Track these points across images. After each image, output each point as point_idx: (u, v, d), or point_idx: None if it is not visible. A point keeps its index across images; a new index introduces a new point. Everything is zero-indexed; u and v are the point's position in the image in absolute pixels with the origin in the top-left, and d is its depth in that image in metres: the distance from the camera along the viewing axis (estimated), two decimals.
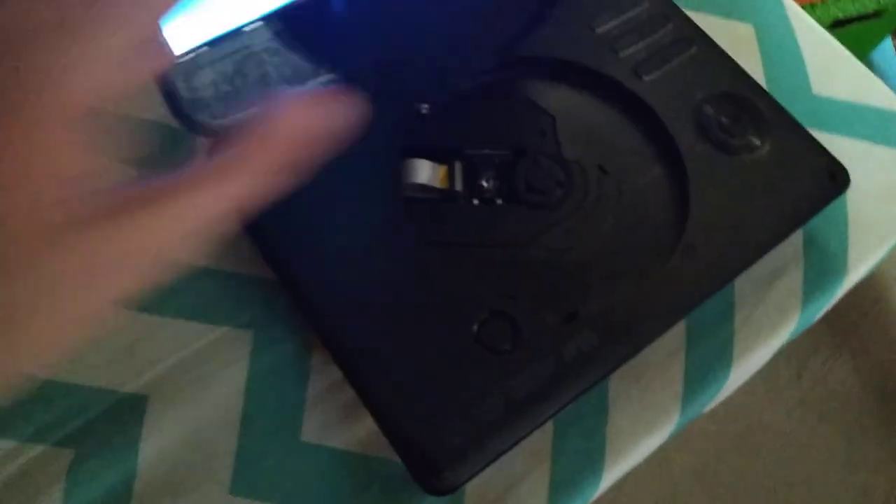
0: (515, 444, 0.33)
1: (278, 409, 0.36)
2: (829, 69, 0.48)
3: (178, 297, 0.38)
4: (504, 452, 0.33)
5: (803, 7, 0.53)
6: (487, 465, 0.32)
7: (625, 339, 0.36)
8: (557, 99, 0.43)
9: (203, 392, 0.36)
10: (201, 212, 0.21)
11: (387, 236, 0.37)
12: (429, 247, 0.37)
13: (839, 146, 0.40)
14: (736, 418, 1.17)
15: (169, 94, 0.28)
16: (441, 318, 0.34)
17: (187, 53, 0.30)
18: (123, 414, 0.35)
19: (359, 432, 0.36)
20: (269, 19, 0.28)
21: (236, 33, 0.28)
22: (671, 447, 0.37)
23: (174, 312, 0.37)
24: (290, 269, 0.36)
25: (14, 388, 0.19)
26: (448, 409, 0.32)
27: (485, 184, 0.40)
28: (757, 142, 0.41)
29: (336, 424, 0.36)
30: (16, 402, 0.35)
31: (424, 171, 0.39)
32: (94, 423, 0.35)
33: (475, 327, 0.34)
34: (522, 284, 0.36)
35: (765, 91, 0.42)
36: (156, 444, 0.35)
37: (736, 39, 0.47)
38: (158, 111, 0.41)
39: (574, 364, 0.34)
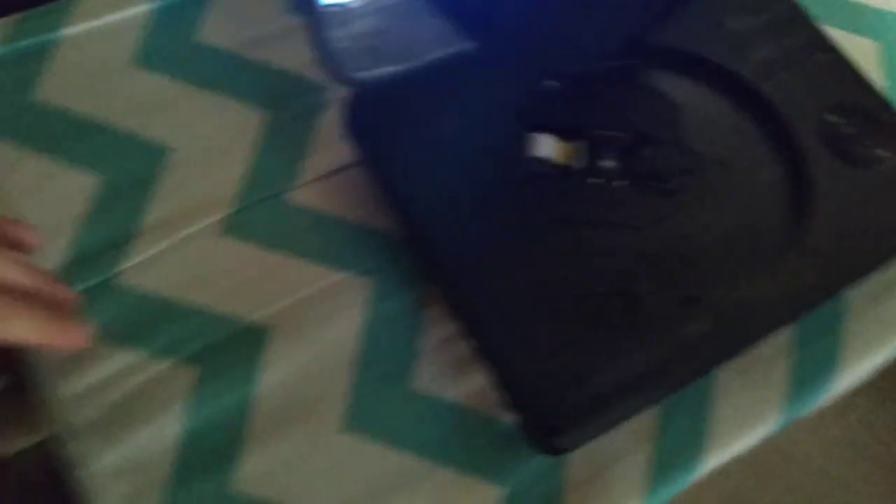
0: (628, 417, 0.34)
1: (392, 356, 0.37)
2: None
3: (306, 239, 0.39)
4: (616, 424, 0.33)
5: None
6: (600, 433, 0.33)
7: (740, 330, 0.36)
8: (683, 90, 0.43)
9: (322, 331, 0.37)
10: None
11: (511, 204, 0.38)
12: (554, 220, 0.37)
13: None
14: (773, 449, 1.16)
15: (319, 42, 0.29)
16: (564, 288, 0.35)
17: (335, 4, 0.31)
18: (247, 341, 0.36)
19: (468, 387, 0.36)
20: None
21: None
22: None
23: (301, 253, 0.38)
24: (421, 228, 0.36)
25: None
26: (569, 375, 0.33)
27: (608, 164, 0.40)
28: (884, 154, 0.41)
29: (447, 377, 0.36)
30: (145, 318, 0.36)
31: (548, 146, 0.40)
32: (219, 346, 0.36)
33: (597, 302, 0.35)
34: (644, 265, 0.37)
35: (892, 105, 0.42)
36: (274, 375, 0.36)
37: (860, 54, 0.47)
38: (296, 60, 0.43)
39: (690, 348, 0.35)
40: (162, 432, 0.34)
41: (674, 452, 0.36)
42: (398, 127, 0.38)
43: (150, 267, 0.38)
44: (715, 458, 0.37)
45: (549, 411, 0.32)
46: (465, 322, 0.35)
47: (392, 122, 0.38)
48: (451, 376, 0.37)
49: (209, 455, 0.34)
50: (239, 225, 0.39)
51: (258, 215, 0.39)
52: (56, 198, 0.38)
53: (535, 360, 0.33)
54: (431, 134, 0.38)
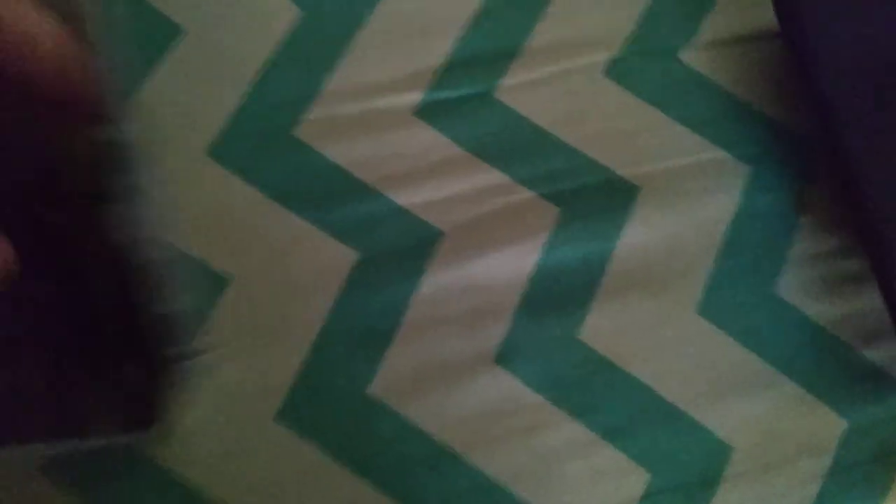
0: None
1: (759, 253, 0.34)
2: None
3: (690, 104, 0.36)
4: None
5: None
6: None
7: None
8: None
9: (694, 207, 0.35)
10: None
11: None
12: None
13: None
14: None
15: None
16: None
17: None
18: (615, 194, 0.34)
19: (833, 310, 0.34)
20: None
21: None
22: None
23: (681, 118, 0.36)
24: (841, 135, 0.33)
25: None
26: None
27: None
28: None
29: (812, 293, 0.34)
30: (517, 143, 0.35)
31: None
32: (586, 191, 0.34)
33: None
34: None
35: None
36: (636, 235, 0.34)
37: None
38: None
39: None
40: (515, 260, 0.33)
41: None
42: (840, 5, 0.34)
43: (528, 91, 0.36)
44: None
45: None
46: (870, 243, 0.32)
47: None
48: (816, 293, 0.34)
49: (558, 296, 0.33)
50: (623, 71, 0.36)
51: (644, 66, 0.36)
52: None
53: None
54: (876, 16, 0.34)
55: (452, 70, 0.35)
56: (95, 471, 0.30)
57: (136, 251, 0.23)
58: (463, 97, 0.35)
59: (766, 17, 0.36)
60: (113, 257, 0.24)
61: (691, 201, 0.35)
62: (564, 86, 0.36)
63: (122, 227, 0.23)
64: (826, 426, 0.33)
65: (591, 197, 0.34)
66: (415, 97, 0.35)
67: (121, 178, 0.23)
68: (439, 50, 0.36)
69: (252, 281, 0.32)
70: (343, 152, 0.34)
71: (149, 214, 0.23)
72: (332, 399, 0.32)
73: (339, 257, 0.33)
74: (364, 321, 0.32)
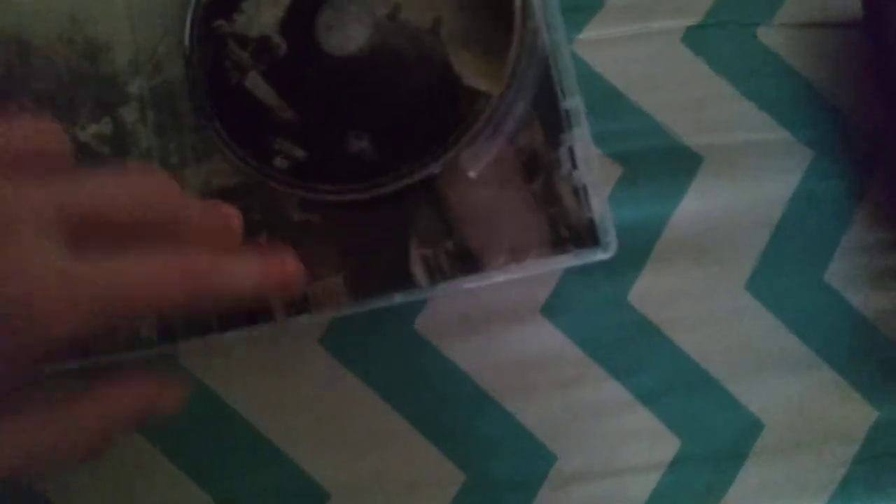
0: None
1: (811, 237, 0.34)
2: None
3: (763, 82, 0.36)
4: None
5: None
6: None
7: None
8: None
9: (751, 182, 0.35)
10: None
11: None
12: None
13: None
14: None
15: None
16: None
17: None
18: (678, 161, 0.34)
19: (879, 302, 0.34)
20: None
21: None
22: None
23: (752, 94, 0.36)
24: None
25: None
26: None
27: None
28: None
29: (860, 283, 0.34)
30: (590, 98, 0.34)
31: None
32: (651, 155, 0.34)
33: None
34: None
35: None
36: (694, 205, 0.34)
37: None
38: None
39: None
40: None
41: None
42: None
43: (605, 48, 0.35)
44: None
45: None
46: None
47: None
48: (864, 284, 0.34)
49: (616, 260, 0.33)
50: (700, 40, 0.36)
51: (722, 38, 0.36)
52: None
53: None
54: None
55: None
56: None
57: None
58: None
59: (849, 5, 0.36)
60: None
61: (751, 178, 0.35)
62: (641, 48, 0.36)
63: None
64: (858, 414, 0.33)
65: (655, 161, 0.34)
66: None
67: None
68: None
69: None
70: None
71: None
72: (377, 331, 0.32)
73: None
74: None
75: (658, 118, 0.35)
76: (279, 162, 0.31)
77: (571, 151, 0.29)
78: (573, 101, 0.29)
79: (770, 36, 0.36)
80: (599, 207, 0.28)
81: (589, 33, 0.35)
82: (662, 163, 0.34)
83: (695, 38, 0.36)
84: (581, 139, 0.29)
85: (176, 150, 0.32)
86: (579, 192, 0.29)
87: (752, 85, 0.36)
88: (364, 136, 0.30)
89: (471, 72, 0.29)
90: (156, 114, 0.32)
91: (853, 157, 0.35)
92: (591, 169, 0.29)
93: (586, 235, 0.29)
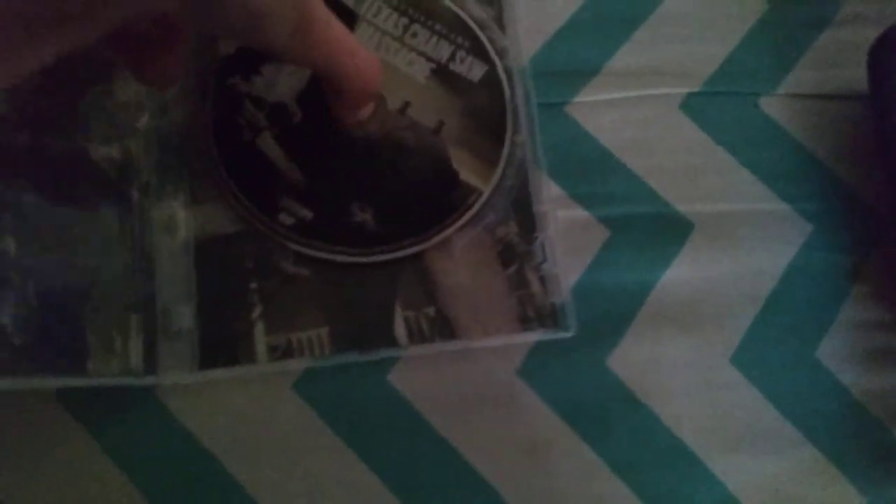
0: None
1: (804, 312, 0.34)
2: None
3: (761, 152, 0.36)
4: None
5: None
6: None
7: None
8: None
9: (744, 253, 0.34)
10: None
11: None
12: None
13: None
14: None
15: None
16: None
17: None
18: (668, 227, 0.34)
19: (871, 382, 0.33)
20: None
21: None
22: None
23: (750, 164, 0.36)
24: None
25: None
26: None
27: None
28: None
29: (852, 362, 0.33)
30: (579, 160, 0.35)
31: None
32: (639, 220, 0.34)
33: None
34: None
35: None
36: (683, 272, 0.34)
37: None
38: None
39: None
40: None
41: None
42: None
43: (601, 110, 0.36)
44: None
45: None
46: None
47: None
48: (857, 363, 0.33)
49: (593, 319, 0.33)
50: (699, 107, 0.36)
51: (721, 106, 0.36)
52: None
53: None
54: None
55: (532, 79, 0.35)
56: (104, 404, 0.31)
57: None
58: (539, 105, 0.35)
59: (853, 77, 0.36)
60: None
61: (744, 248, 0.34)
62: (638, 112, 0.36)
63: None
64: (842, 500, 0.32)
65: (644, 226, 0.34)
66: None
67: None
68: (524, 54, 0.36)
69: None
70: None
71: None
72: (351, 381, 0.32)
73: None
74: None
75: (650, 183, 0.35)
76: (284, 218, 0.33)
77: (543, 246, 0.33)
78: (542, 207, 0.33)
79: (773, 106, 0.36)
80: (563, 295, 0.32)
81: (586, 97, 0.36)
82: (651, 228, 0.34)
83: (694, 105, 0.36)
84: (550, 237, 0.33)
85: (174, 190, 0.33)
86: (546, 281, 0.32)
87: (751, 154, 0.36)
88: (368, 208, 0.33)
89: (465, 169, 0.33)
90: (159, 152, 0.33)
91: (853, 233, 0.35)
92: (557, 262, 0.32)
93: (550, 317, 0.32)
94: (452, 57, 0.35)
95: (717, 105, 0.36)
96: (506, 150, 0.34)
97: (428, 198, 0.33)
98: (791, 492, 0.32)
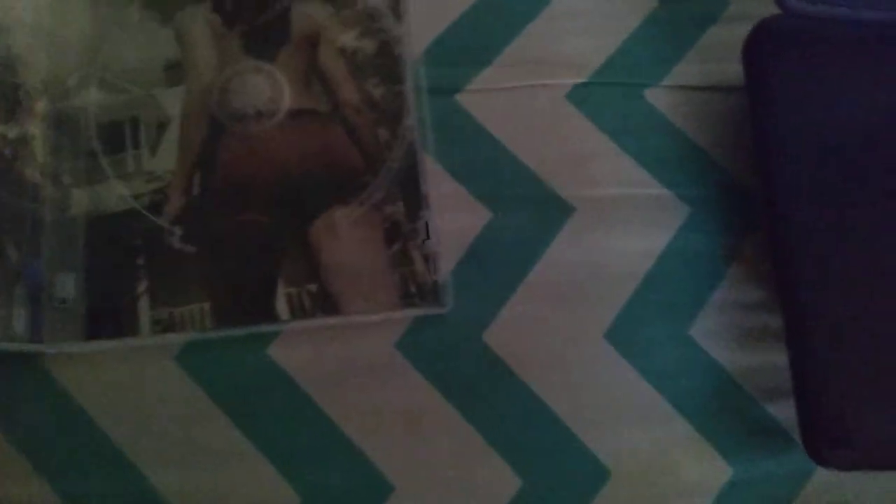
0: None
1: (679, 292, 0.35)
2: None
3: (644, 140, 0.37)
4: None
5: None
6: (877, 469, 0.30)
7: None
8: None
9: (623, 235, 0.35)
10: None
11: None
12: None
13: None
14: None
15: None
16: None
17: None
18: (548, 210, 0.36)
19: (742, 360, 0.34)
20: None
21: None
22: None
23: (633, 152, 0.37)
24: (780, 197, 0.33)
25: None
26: (882, 401, 0.29)
27: None
28: None
29: (724, 339, 0.34)
30: (468, 147, 0.36)
31: None
32: (521, 201, 0.36)
33: None
34: None
35: None
36: (562, 252, 0.35)
37: None
38: None
39: None
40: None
41: None
42: (801, 75, 0.34)
43: (491, 99, 0.37)
44: None
45: (837, 423, 0.29)
46: (790, 307, 0.32)
47: (797, 66, 0.34)
48: (729, 341, 0.34)
49: (476, 300, 0.34)
50: (585, 98, 0.38)
51: (608, 97, 0.38)
52: None
53: (847, 370, 0.30)
54: (836, 99, 0.34)
55: (424, 65, 0.37)
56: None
57: None
58: (431, 89, 0.37)
59: (735, 70, 0.37)
60: None
61: (623, 230, 0.35)
62: (526, 101, 0.37)
63: None
64: (711, 471, 0.33)
65: (526, 209, 0.35)
66: None
67: None
68: (419, 42, 0.37)
69: None
70: None
71: None
72: (232, 354, 0.33)
73: None
74: None
75: (535, 169, 0.36)
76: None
77: (427, 225, 0.34)
78: (428, 189, 0.34)
79: (658, 97, 0.38)
80: (443, 272, 0.34)
81: (477, 84, 0.37)
82: (533, 210, 0.35)
83: (581, 95, 0.38)
84: (433, 217, 0.34)
85: (68, 171, 0.34)
86: (428, 259, 0.34)
87: (635, 143, 0.37)
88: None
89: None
90: (55, 134, 0.35)
91: (731, 216, 0.36)
92: (439, 241, 0.34)
93: (430, 293, 0.33)
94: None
95: (604, 95, 0.37)
96: (397, 134, 0.35)
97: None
98: (661, 464, 0.32)
